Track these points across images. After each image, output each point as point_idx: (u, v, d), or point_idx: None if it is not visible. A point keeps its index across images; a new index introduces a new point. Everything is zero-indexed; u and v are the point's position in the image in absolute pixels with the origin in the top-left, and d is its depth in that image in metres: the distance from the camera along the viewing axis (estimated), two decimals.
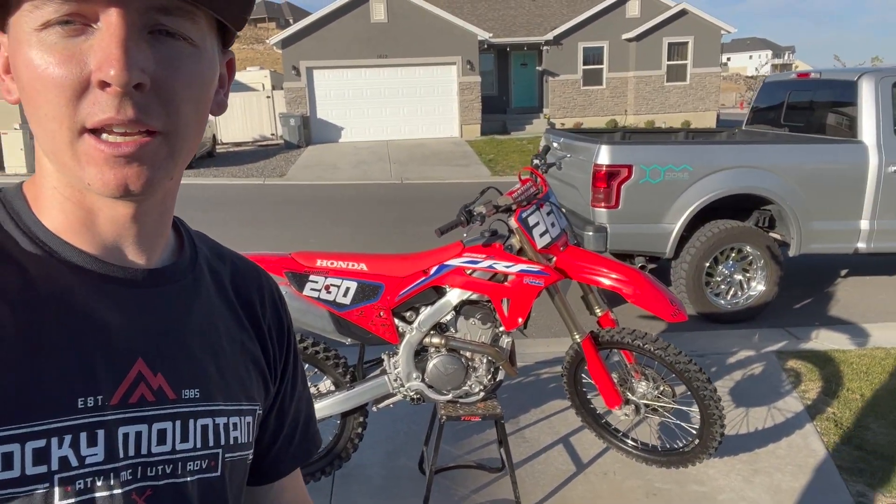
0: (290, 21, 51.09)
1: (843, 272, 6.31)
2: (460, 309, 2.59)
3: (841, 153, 5.00)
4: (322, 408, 2.64)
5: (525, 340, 4.09)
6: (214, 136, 18.40)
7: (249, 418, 0.68)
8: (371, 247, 7.59)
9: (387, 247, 7.55)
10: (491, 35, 20.75)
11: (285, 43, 19.57)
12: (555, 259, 2.61)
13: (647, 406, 2.72)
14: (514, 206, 2.55)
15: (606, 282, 2.52)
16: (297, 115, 19.07)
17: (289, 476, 0.82)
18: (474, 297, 2.57)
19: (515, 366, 2.66)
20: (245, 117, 20.90)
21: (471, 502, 2.73)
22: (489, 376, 2.61)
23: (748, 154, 4.89)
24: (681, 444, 2.79)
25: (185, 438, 0.60)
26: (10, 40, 0.53)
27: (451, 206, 10.34)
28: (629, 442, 2.85)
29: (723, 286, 5.05)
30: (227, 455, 0.64)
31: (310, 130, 19.62)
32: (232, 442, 0.65)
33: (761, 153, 4.90)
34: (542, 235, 2.57)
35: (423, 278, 2.55)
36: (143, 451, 0.57)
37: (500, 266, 2.50)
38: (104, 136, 0.51)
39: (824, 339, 4.48)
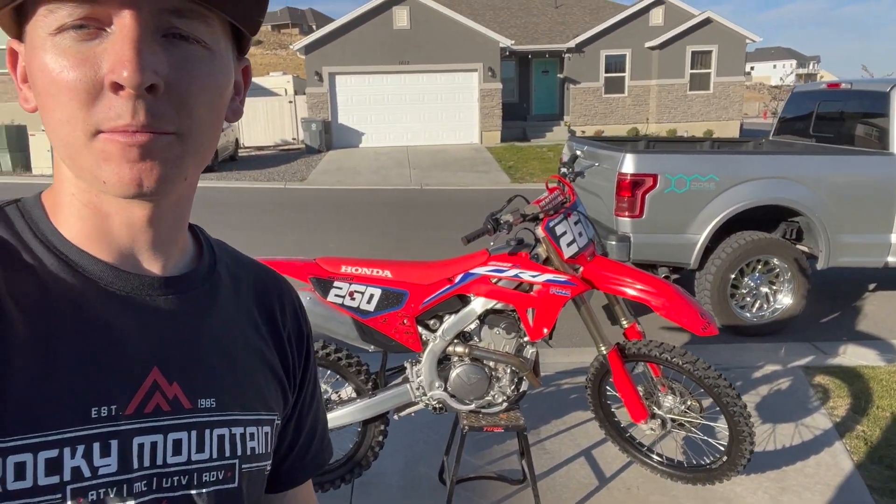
0: (314, 27, 51.57)
1: (872, 286, 6.18)
2: (485, 318, 2.56)
3: (871, 165, 4.90)
4: (343, 415, 2.62)
5: (545, 350, 4.05)
6: (237, 140, 18.58)
7: (267, 428, 0.67)
8: (390, 252, 7.59)
9: (406, 252, 7.54)
10: (513, 42, 20.75)
11: (308, 49, 19.73)
12: (581, 269, 2.57)
13: (673, 421, 2.67)
14: (541, 215, 2.52)
15: (634, 293, 2.48)
16: (319, 120, 19.20)
17: (303, 485, 0.82)
18: (499, 306, 2.54)
19: (539, 376, 2.62)
20: (267, 122, 21.08)
21: None
22: (512, 387, 2.58)
23: (777, 165, 4.81)
24: (708, 461, 2.73)
25: (200, 449, 0.59)
26: (27, 47, 0.53)
27: (470, 212, 10.38)
28: (654, 457, 2.79)
29: (748, 298, 4.97)
30: (244, 466, 0.63)
31: (331, 135, 19.74)
32: (249, 452, 0.64)
33: (790, 164, 4.82)
34: (569, 245, 2.53)
35: (448, 286, 2.52)
36: (159, 461, 0.57)
37: (526, 275, 2.47)
38: (117, 134, 0.51)
39: (852, 355, 4.38)
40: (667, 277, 4.96)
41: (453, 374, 2.55)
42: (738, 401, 2.50)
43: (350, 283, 2.51)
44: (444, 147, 19.62)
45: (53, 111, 0.51)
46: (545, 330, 2.47)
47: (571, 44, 22.29)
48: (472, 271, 2.51)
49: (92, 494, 0.52)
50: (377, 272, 2.54)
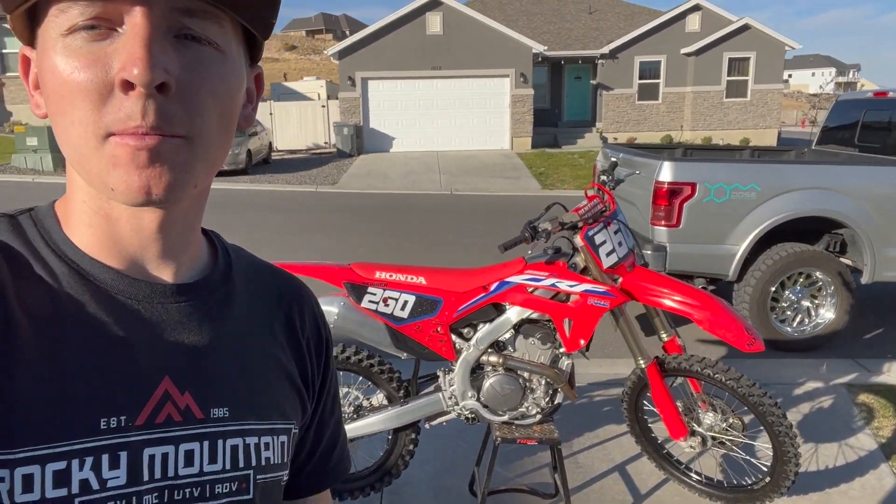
0: (347, 33, 52.12)
1: None
2: (520, 327, 2.51)
3: None
4: (374, 422, 2.59)
5: (577, 361, 3.97)
6: (270, 144, 18.81)
7: (284, 437, 0.66)
8: (420, 257, 7.57)
9: (435, 257, 7.52)
10: (546, 48, 20.64)
11: (342, 54, 19.91)
12: (621, 280, 2.50)
13: (714, 439, 2.58)
14: (580, 224, 2.46)
15: (676, 305, 2.40)
16: (351, 125, 19.34)
17: (322, 494, 0.80)
18: (535, 315, 2.49)
19: (575, 389, 2.56)
20: (300, 126, 21.31)
21: None
22: (547, 398, 2.52)
23: (820, 175, 4.67)
24: (749, 481, 2.63)
25: (213, 460, 0.58)
26: (38, 51, 0.53)
27: (500, 218, 10.32)
28: (693, 475, 2.70)
29: (789, 312, 4.82)
30: (258, 476, 0.62)
31: (362, 140, 19.86)
32: (264, 463, 0.62)
33: (835, 174, 4.67)
34: (608, 255, 2.47)
35: (483, 294, 2.48)
36: (170, 473, 0.55)
37: (564, 285, 2.41)
38: (127, 136, 0.50)
39: None
40: (703, 289, 4.84)
41: (486, 384, 2.50)
42: (784, 420, 2.40)
43: (384, 290, 2.48)
44: (475, 152, 19.59)
45: (64, 114, 0.51)
46: (582, 341, 2.41)
47: (605, 50, 22.09)
48: (507, 280, 2.47)
49: None
50: (411, 279, 2.50)
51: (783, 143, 21.52)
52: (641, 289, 2.47)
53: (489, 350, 2.51)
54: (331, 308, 2.52)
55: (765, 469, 2.58)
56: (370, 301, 2.49)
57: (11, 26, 0.56)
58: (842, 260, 4.87)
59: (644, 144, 7.94)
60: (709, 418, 2.58)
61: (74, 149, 0.52)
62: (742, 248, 4.62)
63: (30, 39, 0.55)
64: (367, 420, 2.59)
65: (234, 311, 0.65)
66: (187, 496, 0.56)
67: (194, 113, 0.52)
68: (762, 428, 2.49)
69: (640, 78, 22.48)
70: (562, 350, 2.50)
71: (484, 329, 2.50)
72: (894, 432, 3.44)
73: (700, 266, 4.74)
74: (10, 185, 13.21)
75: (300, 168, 16.86)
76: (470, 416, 2.56)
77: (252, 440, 0.61)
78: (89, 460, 0.51)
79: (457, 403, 2.55)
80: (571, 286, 2.41)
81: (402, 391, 2.64)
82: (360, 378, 2.68)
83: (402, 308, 2.48)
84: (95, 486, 0.51)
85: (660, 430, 2.76)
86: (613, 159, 3.05)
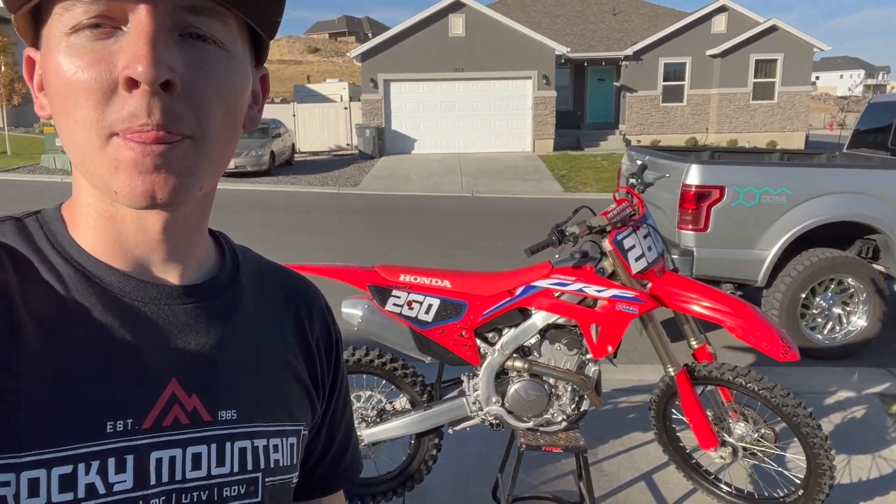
0: (370, 35, 52.37)
1: None
2: (545, 333, 2.47)
3: None
4: (397, 426, 2.57)
5: (602, 367, 3.91)
6: (293, 145, 18.95)
7: (293, 439, 0.65)
8: (441, 259, 7.55)
9: (457, 260, 7.49)
10: (569, 50, 20.52)
11: (364, 56, 19.99)
12: (650, 285, 2.45)
13: (745, 450, 2.51)
14: (608, 228, 2.41)
15: (707, 312, 2.34)
16: (373, 127, 19.41)
17: (336, 494, 0.80)
18: (561, 321, 2.44)
19: (601, 396, 2.51)
20: (323, 127, 21.44)
21: None
22: (573, 405, 2.47)
23: (853, 179, 4.55)
24: (781, 494, 2.56)
25: (221, 462, 0.58)
26: (43, 51, 0.53)
27: (521, 221, 10.27)
28: (723, 486, 2.64)
29: (819, 319, 4.71)
30: (267, 479, 0.61)
31: (384, 141, 19.92)
32: (273, 465, 0.62)
33: (868, 178, 4.56)
34: (637, 259, 2.42)
35: (509, 298, 2.44)
36: (177, 476, 0.55)
37: (591, 290, 2.37)
38: (132, 134, 0.49)
39: None
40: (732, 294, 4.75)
41: (511, 389, 2.46)
42: (819, 432, 2.33)
43: (409, 293, 2.46)
44: (496, 155, 19.53)
45: (68, 114, 0.50)
46: (610, 348, 2.36)
47: (629, 51, 21.90)
48: (533, 284, 2.43)
49: None
50: (436, 282, 2.48)
51: (812, 146, 21.14)
52: (671, 294, 2.41)
53: (514, 355, 2.47)
54: (355, 311, 2.50)
55: (797, 481, 2.51)
56: (394, 304, 2.46)
57: (16, 27, 0.55)
58: (874, 266, 4.75)
59: (669, 147, 7.83)
60: (740, 428, 2.51)
61: (78, 150, 0.51)
62: (772, 253, 4.53)
63: (34, 41, 0.54)
64: (390, 424, 2.57)
65: (242, 311, 0.64)
66: (195, 499, 0.56)
67: (200, 112, 0.51)
68: (794, 439, 2.41)
69: (665, 80, 22.25)
70: (588, 356, 2.46)
71: (509, 334, 2.46)
72: None
73: (728, 271, 4.65)
74: (40, 185, 13.47)
75: (322, 169, 16.96)
76: (494, 421, 2.52)
77: (261, 442, 0.61)
78: (95, 464, 0.50)
79: (481, 409, 2.51)
80: (599, 291, 2.36)
81: (425, 395, 2.61)
82: (384, 381, 2.66)
83: (427, 311, 2.46)
84: (102, 490, 0.51)
85: (688, 438, 2.70)
86: (642, 162, 2.99)
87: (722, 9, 21.77)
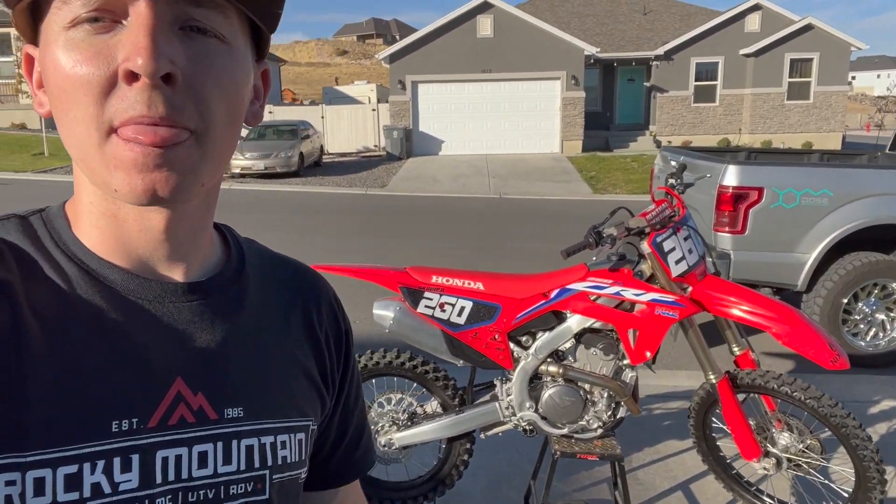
0: (397, 37, 52.61)
1: None
2: (581, 337, 2.41)
3: None
4: (428, 431, 2.52)
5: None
6: (322, 147, 19.09)
7: (301, 435, 0.65)
8: (469, 260, 7.50)
9: (485, 261, 7.43)
10: (598, 50, 20.32)
11: (393, 58, 20.05)
12: (690, 289, 2.37)
13: (790, 461, 2.41)
14: (647, 230, 2.34)
15: (751, 317, 2.25)
16: (401, 128, 19.44)
17: (352, 485, 0.80)
18: (597, 325, 2.38)
19: (638, 403, 2.43)
20: (351, 129, 21.56)
21: None
22: (609, 412, 2.41)
23: None
24: None
25: (227, 461, 0.57)
26: (41, 46, 0.52)
27: (550, 222, 10.17)
28: (765, 498, 2.54)
29: (862, 326, 4.55)
30: (275, 476, 0.61)
31: (411, 143, 19.94)
32: (280, 462, 0.62)
33: None
34: (677, 262, 2.34)
35: (543, 301, 2.38)
36: (184, 475, 0.55)
37: (629, 294, 2.30)
38: (132, 132, 0.48)
39: None
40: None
41: (545, 394, 2.40)
42: (869, 443, 2.22)
43: (441, 295, 2.42)
44: (524, 156, 19.42)
45: (68, 110, 0.50)
46: (648, 354, 2.29)
47: (660, 51, 21.60)
48: (569, 286, 2.37)
49: None
50: (469, 284, 2.43)
51: (847, 147, 20.60)
52: (713, 299, 2.33)
53: (549, 359, 2.41)
54: (386, 312, 2.47)
55: (845, 495, 2.40)
56: (426, 306, 2.42)
57: (14, 23, 0.55)
58: None
59: (703, 147, 7.67)
60: (784, 438, 2.42)
61: (78, 146, 0.51)
62: (812, 256, 4.39)
63: (32, 37, 0.54)
64: (422, 428, 2.53)
65: (248, 307, 0.64)
66: (201, 498, 0.56)
67: (202, 106, 0.51)
68: (846, 451, 2.31)
69: (697, 80, 21.88)
70: (625, 362, 2.39)
71: (543, 337, 2.41)
72: None
73: (766, 275, 4.52)
74: (69, 185, 13.74)
75: (350, 171, 17.04)
76: (528, 427, 2.46)
77: (268, 439, 0.61)
78: (101, 464, 0.50)
79: (514, 414, 2.46)
80: (637, 295, 2.29)
81: (457, 399, 2.57)
82: (415, 385, 2.62)
83: (459, 314, 2.41)
84: (107, 489, 0.50)
85: (727, 447, 2.61)
86: (682, 162, 2.90)
87: (756, 7, 21.35)
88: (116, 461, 0.51)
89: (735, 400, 2.37)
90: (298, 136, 16.50)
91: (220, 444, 0.57)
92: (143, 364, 0.54)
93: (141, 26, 0.48)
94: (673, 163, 3.14)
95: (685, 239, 2.39)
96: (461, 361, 2.50)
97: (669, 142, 21.30)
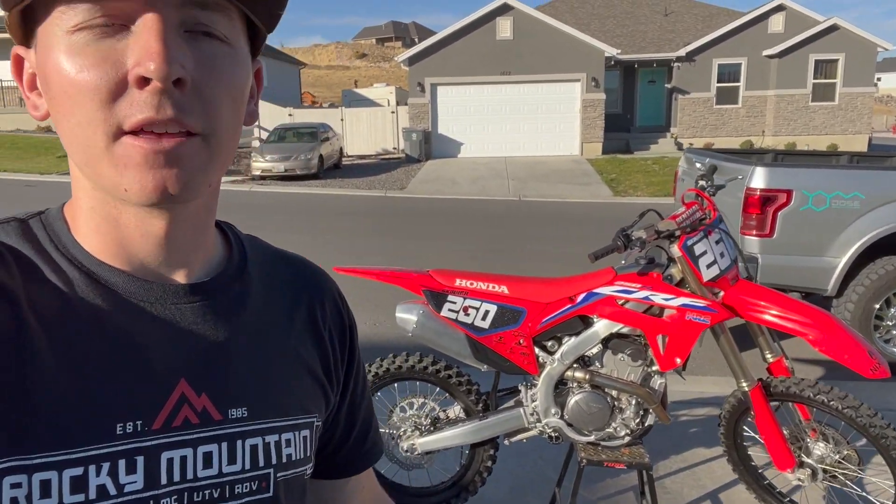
0: (416, 40, 52.73)
1: None
2: (608, 342, 2.35)
3: None
4: (452, 436, 2.49)
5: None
6: (341, 149, 19.16)
7: (306, 432, 0.65)
8: (489, 263, 7.45)
9: (505, 264, 7.37)
10: (618, 51, 20.15)
11: (412, 60, 20.06)
12: (722, 294, 2.30)
13: (825, 472, 2.33)
14: (677, 233, 2.28)
15: (786, 324, 2.18)
16: (419, 130, 19.44)
17: (365, 474, 0.80)
18: (625, 330, 2.32)
19: (667, 410, 2.37)
20: (370, 131, 21.61)
21: None
22: (637, 419, 2.35)
23: None
24: None
25: (232, 460, 0.58)
26: (39, 50, 0.52)
27: (570, 225, 10.08)
28: None
29: (894, 332, 4.43)
30: (279, 474, 0.61)
31: (430, 145, 19.93)
32: (285, 460, 0.62)
33: None
34: (709, 267, 2.28)
35: (569, 306, 2.34)
36: (189, 476, 0.55)
37: (658, 298, 2.24)
38: (142, 134, 0.49)
39: None
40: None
41: (571, 401, 2.35)
42: None
43: (465, 298, 2.38)
44: (544, 158, 19.31)
45: (71, 115, 0.49)
46: (678, 360, 2.23)
47: (681, 52, 21.36)
48: (596, 291, 2.31)
49: None
50: (493, 287, 2.39)
51: (874, 149, 20.21)
52: (746, 304, 2.26)
53: (575, 365, 2.36)
54: (409, 316, 2.44)
55: None
56: (450, 309, 2.39)
57: (6, 24, 0.54)
58: None
59: (727, 149, 7.55)
60: (820, 449, 2.34)
61: (83, 150, 0.51)
62: (843, 260, 4.28)
63: (22, 38, 0.54)
64: (445, 433, 2.49)
65: (250, 306, 0.64)
66: (206, 497, 0.56)
67: (209, 108, 0.51)
68: (885, 462, 2.23)
69: (719, 81, 21.60)
70: (654, 368, 2.33)
71: (569, 342, 2.36)
72: None
73: (795, 279, 4.42)
74: None
75: (370, 173, 17.07)
76: (553, 434, 2.41)
77: (272, 438, 0.61)
78: (106, 466, 0.51)
79: (539, 420, 2.41)
80: (667, 300, 2.23)
81: (480, 404, 2.53)
82: (437, 389, 2.59)
83: (484, 318, 2.37)
84: (113, 491, 0.51)
85: (759, 457, 2.54)
86: (713, 163, 2.83)
87: (779, 8, 21.03)
88: (121, 463, 0.51)
89: (769, 409, 2.30)
90: (318, 138, 16.58)
91: (224, 445, 0.58)
92: (147, 366, 0.55)
93: (151, 31, 0.48)
94: (699, 165, 3.07)
95: (717, 242, 2.32)
96: (485, 366, 2.46)
97: (691, 144, 21.05)
